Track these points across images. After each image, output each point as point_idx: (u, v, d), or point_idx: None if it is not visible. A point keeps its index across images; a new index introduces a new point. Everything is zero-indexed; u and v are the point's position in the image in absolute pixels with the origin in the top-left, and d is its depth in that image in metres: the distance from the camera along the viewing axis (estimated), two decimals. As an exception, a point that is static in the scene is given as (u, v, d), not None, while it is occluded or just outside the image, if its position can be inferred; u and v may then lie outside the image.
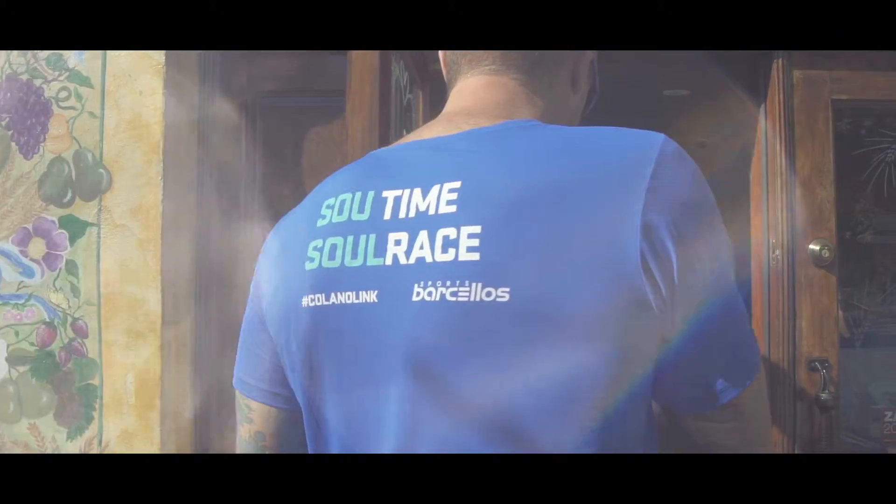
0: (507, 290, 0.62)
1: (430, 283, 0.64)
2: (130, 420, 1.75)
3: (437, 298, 0.64)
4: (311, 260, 0.72)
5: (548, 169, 0.64)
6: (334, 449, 0.73)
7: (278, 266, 0.76)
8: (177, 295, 1.81)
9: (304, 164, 1.94)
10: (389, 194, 0.70)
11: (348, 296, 0.69)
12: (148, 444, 1.74)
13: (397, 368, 0.66)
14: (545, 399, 0.62)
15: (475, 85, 0.77)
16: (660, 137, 0.65)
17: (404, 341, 0.66)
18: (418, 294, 0.65)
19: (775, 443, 1.84)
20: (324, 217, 0.73)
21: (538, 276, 0.61)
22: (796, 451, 1.84)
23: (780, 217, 1.84)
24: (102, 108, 1.78)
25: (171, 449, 1.77)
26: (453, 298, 0.63)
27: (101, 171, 1.77)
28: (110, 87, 1.78)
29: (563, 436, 0.63)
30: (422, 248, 0.66)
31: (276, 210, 1.97)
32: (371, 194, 0.71)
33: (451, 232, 0.64)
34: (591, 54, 0.83)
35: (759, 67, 1.92)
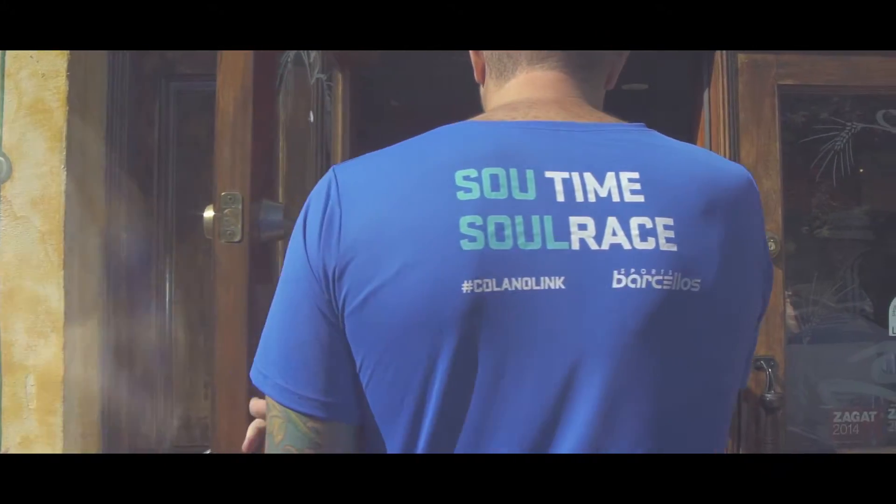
0: (699, 281, 0.68)
1: (632, 269, 0.66)
2: (31, 425, 1.65)
3: (643, 286, 0.66)
4: (472, 239, 0.65)
5: (706, 176, 0.72)
6: (463, 450, 0.67)
7: (399, 244, 0.66)
8: (82, 292, 1.71)
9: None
10: (554, 175, 0.68)
11: (526, 281, 0.66)
12: (50, 450, 1.63)
13: (596, 356, 0.66)
14: (708, 391, 0.70)
15: (548, 78, 0.77)
16: (745, 169, 0.77)
17: (608, 328, 0.66)
18: (619, 281, 0.66)
19: (720, 445, 1.76)
20: (467, 190, 0.67)
21: (719, 271, 0.69)
22: (741, 453, 1.76)
23: (723, 208, 1.76)
24: (2, 92, 1.67)
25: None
26: (659, 286, 0.67)
27: (0, 159, 1.67)
28: (10, 69, 1.67)
29: (703, 427, 0.71)
30: (614, 234, 0.67)
31: (192, 199, 1.88)
32: (530, 173, 0.68)
33: (645, 221, 0.68)
34: (626, 55, 0.83)
35: (703, 51, 1.83)
